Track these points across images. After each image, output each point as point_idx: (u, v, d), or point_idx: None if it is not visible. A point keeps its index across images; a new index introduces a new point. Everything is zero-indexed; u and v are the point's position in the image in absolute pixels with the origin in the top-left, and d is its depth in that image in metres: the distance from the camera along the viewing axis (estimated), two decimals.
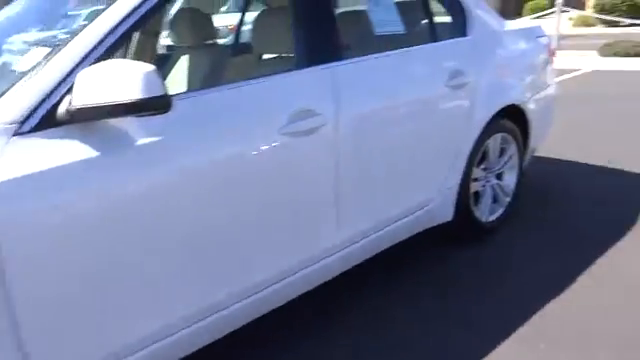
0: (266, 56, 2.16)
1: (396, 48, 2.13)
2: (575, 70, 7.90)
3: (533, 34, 2.99)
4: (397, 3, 2.19)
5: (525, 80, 2.77)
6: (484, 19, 2.60)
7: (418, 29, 2.42)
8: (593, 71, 8.03)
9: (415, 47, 2.25)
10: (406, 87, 2.13)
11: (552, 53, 3.16)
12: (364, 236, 2.10)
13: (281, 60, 2.07)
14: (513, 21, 2.95)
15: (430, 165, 2.35)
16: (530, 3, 21.42)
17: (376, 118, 2.02)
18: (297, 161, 1.78)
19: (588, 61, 8.68)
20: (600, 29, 15.22)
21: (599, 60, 8.75)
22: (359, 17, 2.17)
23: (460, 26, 2.48)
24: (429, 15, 2.38)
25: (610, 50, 8.88)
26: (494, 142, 2.63)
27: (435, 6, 2.45)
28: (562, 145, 4.00)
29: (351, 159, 1.93)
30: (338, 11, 2.34)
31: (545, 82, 3.02)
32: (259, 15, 2.19)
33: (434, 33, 2.37)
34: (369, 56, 2.04)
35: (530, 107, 2.79)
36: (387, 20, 2.09)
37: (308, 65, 1.85)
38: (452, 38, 2.45)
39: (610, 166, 3.66)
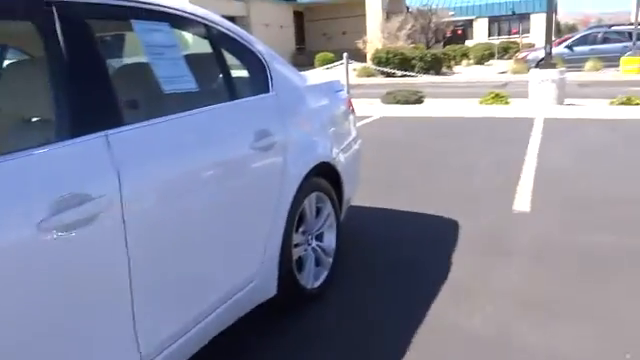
0: (18, 123, 1.64)
1: (190, 108, 1.80)
2: (367, 117, 8.58)
3: (332, 88, 2.97)
4: (189, 57, 1.88)
5: (332, 135, 2.69)
6: (285, 74, 2.45)
7: (216, 86, 2.14)
8: (381, 117, 8.83)
9: (213, 106, 1.95)
10: (206, 153, 1.81)
11: (352, 105, 3.20)
12: (175, 339, 1.67)
13: (39, 128, 1.58)
14: (310, 75, 2.88)
15: (246, 238, 2.04)
16: (318, 56, 23.49)
17: (172, 193, 1.64)
18: (69, 265, 1.31)
19: (376, 108, 9.55)
20: (380, 79, 17.21)
21: (384, 107, 9.69)
22: (142, 72, 1.80)
23: (262, 82, 2.27)
24: (226, 70, 2.11)
25: (392, 98, 9.93)
26: (310, 203, 2.45)
27: (233, 60, 2.21)
28: (373, 192, 4.10)
29: (146, 249, 1.52)
30: (115, 64, 1.95)
31: (350, 134, 3.01)
32: (8, 67, 1.68)
33: (234, 90, 2.10)
34: (158, 119, 1.66)
35: (340, 161, 2.71)
36: (178, 76, 1.76)
37: (75, 134, 1.40)
38: (254, 95, 2.23)
39: (419, 210, 3.83)
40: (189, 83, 1.78)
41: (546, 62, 9.06)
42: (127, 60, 2.10)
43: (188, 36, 2.04)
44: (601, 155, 5.55)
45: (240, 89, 2.13)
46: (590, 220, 3.50)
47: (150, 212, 1.54)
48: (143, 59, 1.72)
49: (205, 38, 2.06)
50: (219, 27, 2.10)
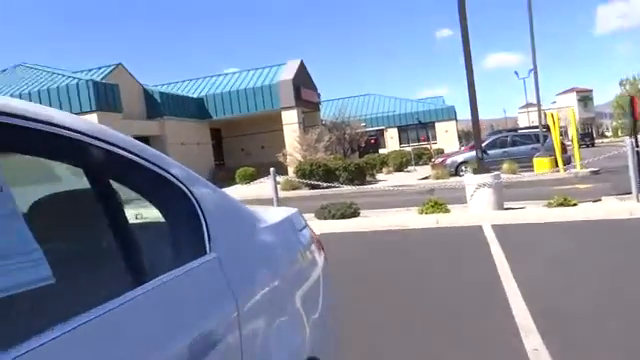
0: None
1: (37, 330, 0.71)
2: None
3: (295, 228, 1.99)
4: (36, 209, 0.85)
5: (310, 306, 1.67)
6: (229, 214, 1.45)
7: (99, 261, 1.08)
8: (321, 234, 7.88)
9: (94, 311, 0.84)
10: None
11: (320, 244, 2.25)
12: None
13: None
14: (257, 207, 1.92)
15: None
16: (239, 171, 22.82)
17: None
18: None
19: (313, 226, 8.61)
20: (305, 192, 16.64)
21: (321, 223, 8.82)
22: None
23: (190, 236, 1.24)
24: (122, 224, 1.07)
25: (327, 213, 9.12)
26: None
27: (136, 202, 1.18)
28: (356, 344, 3.01)
29: None
30: None
31: (327, 288, 1.98)
32: None
33: (139, 264, 1.03)
34: None
35: (325, 343, 1.67)
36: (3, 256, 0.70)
37: None
38: (180, 265, 1.15)
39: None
40: (31, 271, 0.72)
41: (480, 167, 8.82)
42: None
43: (37, 167, 1.01)
44: (578, 267, 4.92)
45: (150, 260, 1.07)
46: None
47: None
48: None
49: (76, 165, 1.04)
50: (100, 143, 1.07)
